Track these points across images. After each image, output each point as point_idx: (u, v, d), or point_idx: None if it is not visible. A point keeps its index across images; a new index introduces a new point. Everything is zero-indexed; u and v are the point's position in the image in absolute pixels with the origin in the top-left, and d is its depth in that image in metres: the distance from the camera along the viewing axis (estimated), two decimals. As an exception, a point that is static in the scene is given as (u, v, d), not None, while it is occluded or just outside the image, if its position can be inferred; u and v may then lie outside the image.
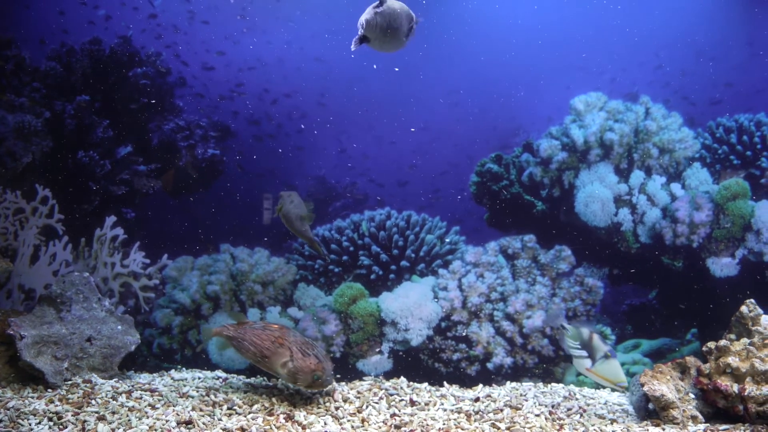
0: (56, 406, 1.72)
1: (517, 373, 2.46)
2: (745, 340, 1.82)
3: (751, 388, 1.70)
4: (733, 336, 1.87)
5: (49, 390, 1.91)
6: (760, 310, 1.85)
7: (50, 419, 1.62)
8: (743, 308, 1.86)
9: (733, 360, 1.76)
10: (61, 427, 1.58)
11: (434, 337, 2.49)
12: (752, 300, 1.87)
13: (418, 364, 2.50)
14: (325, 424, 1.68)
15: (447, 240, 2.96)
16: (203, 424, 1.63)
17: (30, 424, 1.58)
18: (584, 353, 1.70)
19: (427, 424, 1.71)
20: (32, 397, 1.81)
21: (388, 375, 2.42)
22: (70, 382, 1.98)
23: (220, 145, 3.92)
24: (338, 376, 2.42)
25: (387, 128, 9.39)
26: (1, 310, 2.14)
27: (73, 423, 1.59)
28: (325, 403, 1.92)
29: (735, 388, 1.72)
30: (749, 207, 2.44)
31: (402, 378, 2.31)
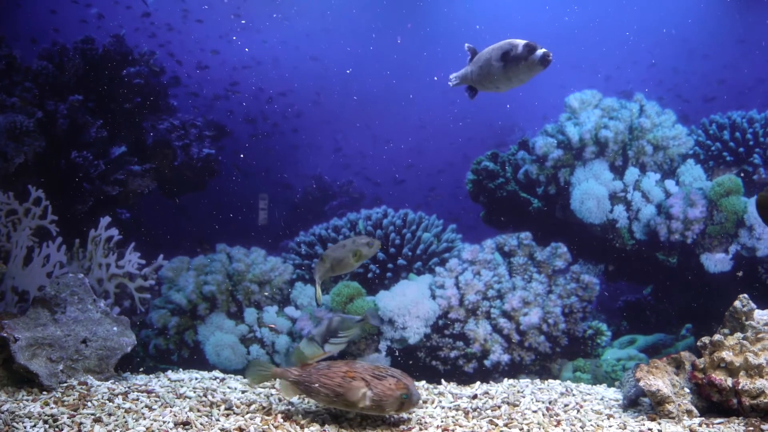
0: (52, 408, 1.70)
1: (514, 370, 2.48)
2: (738, 335, 1.83)
3: (744, 382, 1.72)
4: (726, 331, 1.89)
5: (44, 392, 1.89)
6: (753, 305, 1.87)
7: (46, 422, 1.60)
8: (737, 303, 1.88)
9: (727, 354, 1.78)
10: (56, 429, 1.57)
11: (431, 335, 2.49)
12: (745, 295, 1.89)
13: (416, 362, 2.51)
14: (323, 423, 1.68)
15: (444, 238, 2.97)
16: (201, 424, 1.62)
17: (25, 427, 1.56)
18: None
19: (426, 422, 1.71)
20: (27, 400, 1.79)
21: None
22: (65, 385, 1.96)
23: (215, 144, 3.89)
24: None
25: (383, 127, 9.39)
26: (-5, 312, 2.12)
27: (69, 425, 1.58)
28: (323, 402, 1.92)
29: (729, 382, 1.74)
30: (742, 203, 2.46)
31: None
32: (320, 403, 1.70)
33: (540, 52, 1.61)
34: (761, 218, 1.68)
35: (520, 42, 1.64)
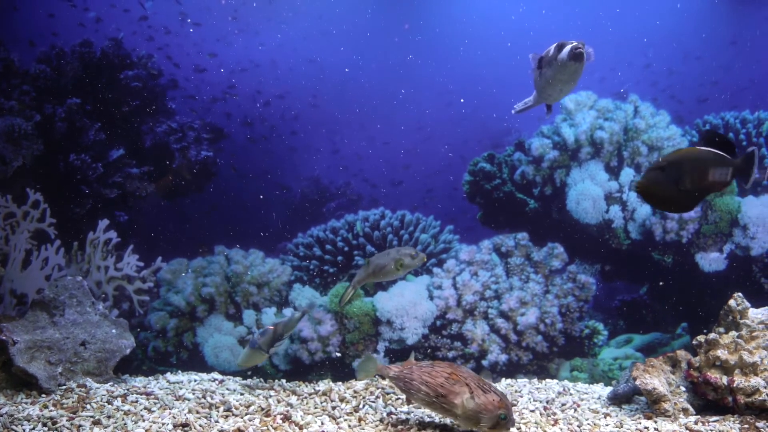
0: (50, 411, 1.70)
1: (512, 370, 2.49)
2: (733, 333, 1.85)
3: (739, 380, 1.73)
4: (722, 329, 1.90)
5: (43, 395, 1.89)
6: (747, 304, 1.89)
7: (44, 424, 1.60)
8: (731, 302, 1.90)
9: (722, 353, 1.80)
10: (55, 432, 1.57)
11: (429, 335, 2.50)
12: (740, 294, 1.91)
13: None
14: (322, 423, 1.68)
15: (441, 239, 2.98)
16: (200, 426, 1.63)
17: (24, 430, 1.56)
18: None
19: (424, 422, 1.72)
20: (26, 403, 1.79)
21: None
22: (64, 387, 1.96)
23: (213, 146, 3.90)
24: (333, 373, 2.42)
25: (380, 129, 9.41)
26: (-7, 315, 2.12)
27: (68, 428, 1.58)
28: (322, 403, 1.93)
29: (724, 380, 1.76)
30: (736, 203, 2.49)
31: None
32: (417, 402, 1.65)
33: (567, 48, 1.49)
34: (647, 203, 1.62)
35: (554, 44, 1.56)
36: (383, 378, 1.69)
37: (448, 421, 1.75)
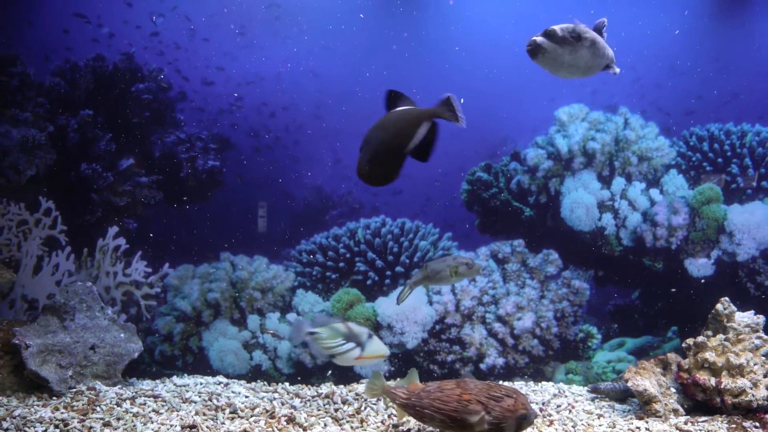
0: (62, 413, 1.75)
1: (509, 373, 2.55)
2: (720, 336, 1.92)
3: (727, 381, 1.80)
4: (710, 332, 1.97)
5: (54, 398, 1.94)
6: (734, 308, 1.96)
7: (56, 426, 1.65)
8: (719, 306, 1.97)
9: (710, 355, 1.86)
10: (68, 432, 1.62)
11: (429, 339, 2.56)
12: (727, 298, 1.98)
13: (414, 365, 2.57)
14: (325, 425, 1.74)
15: (440, 246, 3.06)
16: (207, 427, 1.68)
17: None
18: (351, 345, 1.74)
19: (424, 424, 1.77)
20: (38, 406, 1.84)
21: (385, 377, 2.49)
22: (74, 390, 2.01)
23: (219, 156, 4.00)
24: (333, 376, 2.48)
25: (381, 139, 9.50)
26: (5, 320, 2.18)
27: (79, 430, 1.63)
28: (325, 405, 1.98)
29: (712, 381, 1.82)
30: (722, 210, 2.58)
31: (399, 380, 2.37)
32: (433, 428, 1.60)
33: None
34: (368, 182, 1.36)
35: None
36: (392, 401, 1.64)
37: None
